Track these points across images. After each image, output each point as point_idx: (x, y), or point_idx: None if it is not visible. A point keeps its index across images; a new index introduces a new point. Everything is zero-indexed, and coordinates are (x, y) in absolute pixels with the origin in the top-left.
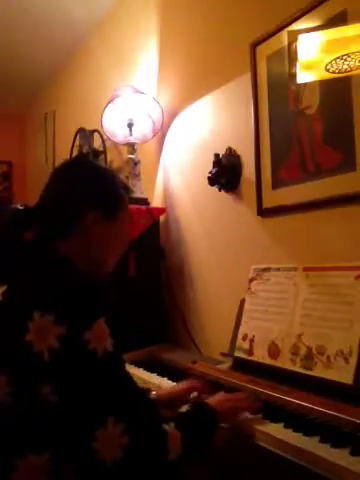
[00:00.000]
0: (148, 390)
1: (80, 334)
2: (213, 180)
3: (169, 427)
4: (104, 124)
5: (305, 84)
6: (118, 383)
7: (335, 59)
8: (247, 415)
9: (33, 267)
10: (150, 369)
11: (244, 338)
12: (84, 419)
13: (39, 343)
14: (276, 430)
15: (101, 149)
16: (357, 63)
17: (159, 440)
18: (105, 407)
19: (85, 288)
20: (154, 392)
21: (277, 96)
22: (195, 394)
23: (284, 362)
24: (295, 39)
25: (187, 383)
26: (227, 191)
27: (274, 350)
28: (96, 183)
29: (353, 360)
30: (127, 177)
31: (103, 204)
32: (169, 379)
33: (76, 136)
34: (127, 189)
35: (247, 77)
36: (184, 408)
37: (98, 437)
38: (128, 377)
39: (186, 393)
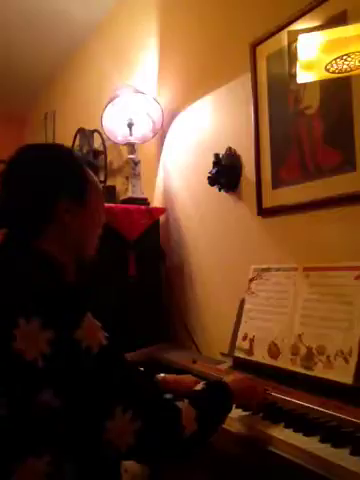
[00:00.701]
0: (154, 374)
1: (71, 335)
2: (213, 180)
3: (183, 404)
4: (104, 124)
5: (305, 84)
6: (119, 373)
7: (335, 59)
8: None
9: (11, 271)
10: (150, 369)
11: (244, 338)
12: (92, 415)
13: (30, 350)
14: (276, 430)
15: (101, 149)
16: (357, 63)
17: (172, 418)
18: (111, 399)
19: (66, 287)
20: (161, 375)
21: (277, 96)
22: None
23: (284, 362)
24: (295, 39)
25: (191, 377)
26: (227, 191)
27: (274, 350)
28: (57, 167)
29: (353, 360)
30: (127, 177)
31: (70, 189)
32: None
33: (76, 136)
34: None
35: (247, 77)
36: (199, 386)
37: (109, 428)
38: (128, 365)
39: (192, 382)
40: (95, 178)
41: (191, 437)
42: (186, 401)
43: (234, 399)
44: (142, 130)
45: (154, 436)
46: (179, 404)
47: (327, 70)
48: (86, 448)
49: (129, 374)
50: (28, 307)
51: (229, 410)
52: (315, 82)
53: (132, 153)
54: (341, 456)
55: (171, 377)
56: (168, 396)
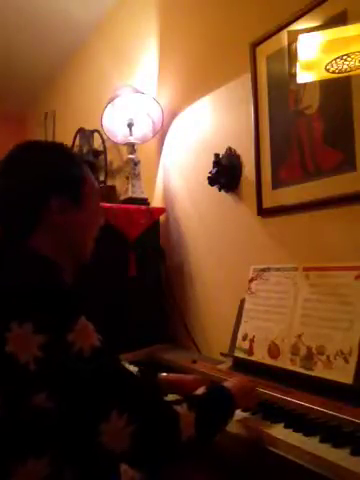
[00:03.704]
0: (156, 373)
1: (63, 338)
2: (213, 180)
3: (181, 408)
4: (104, 124)
5: (305, 84)
6: (113, 376)
7: (335, 59)
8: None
9: (2, 271)
10: (152, 368)
11: (244, 338)
12: (87, 418)
13: (22, 353)
14: (276, 430)
15: (101, 149)
16: (357, 63)
17: (169, 421)
18: (105, 402)
19: (59, 288)
20: (164, 374)
21: (277, 96)
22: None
23: (284, 362)
24: (295, 39)
25: (195, 376)
26: (227, 191)
27: (274, 350)
28: (51, 166)
29: (353, 360)
30: (127, 177)
31: (65, 187)
32: None
33: (76, 136)
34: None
35: (247, 77)
36: (200, 390)
37: (104, 431)
38: (122, 367)
39: (195, 382)
40: (92, 178)
41: (188, 442)
42: (185, 405)
43: (236, 404)
44: (142, 130)
45: (150, 440)
46: (177, 408)
47: (327, 70)
48: (82, 451)
49: (123, 376)
50: (21, 311)
51: (230, 416)
52: (315, 82)
53: (132, 153)
54: (341, 456)
55: (173, 376)
56: (171, 397)
